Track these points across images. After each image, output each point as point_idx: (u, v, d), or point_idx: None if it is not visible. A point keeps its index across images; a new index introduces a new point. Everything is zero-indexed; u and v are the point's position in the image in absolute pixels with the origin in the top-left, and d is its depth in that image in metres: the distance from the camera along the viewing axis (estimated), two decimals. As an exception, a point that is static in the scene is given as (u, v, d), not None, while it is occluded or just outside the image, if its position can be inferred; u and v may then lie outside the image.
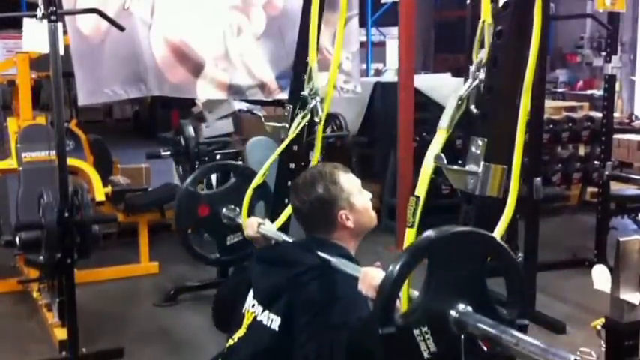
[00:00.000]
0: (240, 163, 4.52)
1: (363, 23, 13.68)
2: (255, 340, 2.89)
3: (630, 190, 7.93)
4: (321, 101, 4.05)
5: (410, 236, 2.48)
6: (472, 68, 2.65)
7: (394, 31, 11.13)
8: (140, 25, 6.82)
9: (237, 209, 4.06)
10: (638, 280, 2.76)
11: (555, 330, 5.87)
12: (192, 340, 5.72)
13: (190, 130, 7.32)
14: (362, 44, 12.11)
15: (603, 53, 7.20)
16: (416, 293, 2.30)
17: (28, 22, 5.03)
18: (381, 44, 19.82)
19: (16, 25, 6.08)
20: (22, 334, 5.99)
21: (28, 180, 6.33)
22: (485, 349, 2.26)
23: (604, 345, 2.79)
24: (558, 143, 9.29)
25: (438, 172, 2.58)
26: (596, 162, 7.58)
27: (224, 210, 4.16)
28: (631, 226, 8.31)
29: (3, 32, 10.12)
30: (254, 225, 3.53)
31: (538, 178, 6.00)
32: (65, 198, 4.97)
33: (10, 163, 6.65)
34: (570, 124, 9.11)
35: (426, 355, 2.21)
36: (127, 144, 13.48)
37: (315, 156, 3.96)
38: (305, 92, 4.04)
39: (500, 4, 2.55)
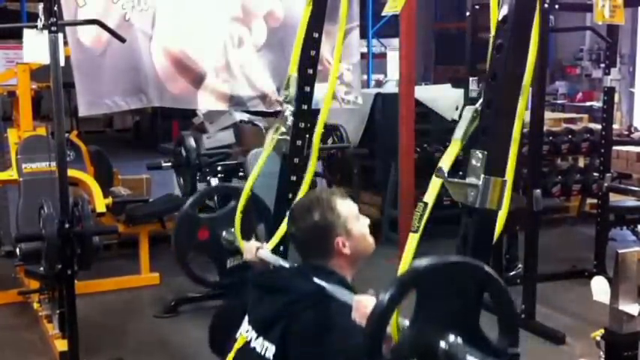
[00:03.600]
0: (240, 186, 4.49)
1: (363, 34, 13.72)
2: None
3: (629, 202, 7.94)
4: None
5: (412, 241, 2.49)
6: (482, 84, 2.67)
7: (395, 42, 11.16)
8: (141, 36, 6.84)
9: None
10: (637, 291, 2.77)
11: (555, 341, 5.88)
12: (193, 351, 5.71)
13: (191, 141, 7.31)
14: (363, 55, 12.14)
15: (602, 65, 7.21)
16: (407, 323, 2.30)
17: (28, 33, 5.04)
18: (382, 55, 19.83)
19: (16, 35, 6.09)
20: (23, 345, 5.99)
21: (28, 191, 6.33)
22: None
23: (603, 356, 2.79)
24: (558, 155, 9.28)
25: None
26: (595, 173, 7.61)
27: (224, 233, 4.15)
28: (630, 237, 8.32)
29: (3, 43, 10.14)
30: (252, 249, 3.55)
31: (538, 190, 6.01)
32: (65, 209, 4.97)
33: (11, 174, 6.65)
34: (570, 136, 9.10)
35: None
36: (127, 155, 13.50)
37: (310, 168, 3.97)
38: (280, 99, 4.07)
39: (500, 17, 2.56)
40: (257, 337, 2.87)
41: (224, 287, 4.60)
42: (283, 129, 4.14)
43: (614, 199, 7.59)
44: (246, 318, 3.00)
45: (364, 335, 2.26)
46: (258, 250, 3.53)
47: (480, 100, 2.63)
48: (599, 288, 3.13)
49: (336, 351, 2.61)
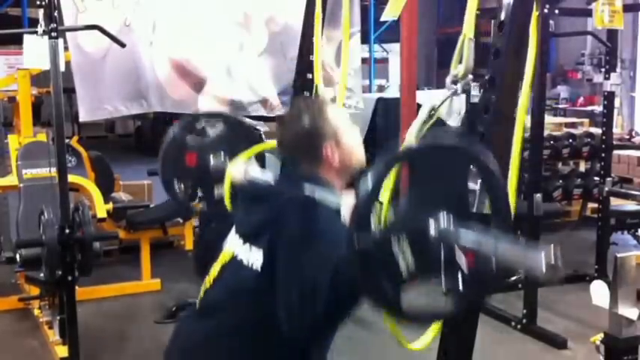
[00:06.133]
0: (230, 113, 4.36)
1: (365, 39, 13.73)
2: (234, 280, 2.78)
3: (630, 206, 7.93)
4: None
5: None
6: (447, 80, 2.67)
7: (397, 47, 11.19)
8: (141, 41, 6.85)
9: (227, 159, 3.93)
10: (636, 295, 2.77)
11: (556, 345, 5.87)
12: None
13: (192, 147, 7.30)
14: (365, 60, 12.16)
15: (603, 70, 7.21)
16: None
17: (28, 39, 5.05)
18: (384, 60, 19.84)
19: (17, 41, 6.10)
20: (23, 352, 5.98)
21: (28, 197, 6.33)
22: (466, 269, 2.15)
23: (603, 360, 2.80)
24: (559, 159, 9.29)
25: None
26: (596, 178, 7.61)
27: (213, 160, 4.03)
28: (631, 242, 8.31)
29: (4, 48, 10.15)
30: (242, 170, 3.44)
31: (538, 194, 6.01)
32: (66, 215, 4.97)
33: (11, 180, 6.65)
34: (571, 141, 9.11)
35: (405, 275, 2.13)
36: (129, 160, 13.48)
37: None
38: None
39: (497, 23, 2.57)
40: (244, 244, 2.79)
41: (212, 216, 4.50)
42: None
43: (615, 203, 7.59)
44: (233, 230, 2.91)
45: (351, 216, 2.19)
46: (247, 170, 3.41)
47: (438, 98, 2.63)
48: (599, 292, 3.13)
49: (323, 259, 2.47)
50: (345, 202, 2.48)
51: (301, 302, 2.48)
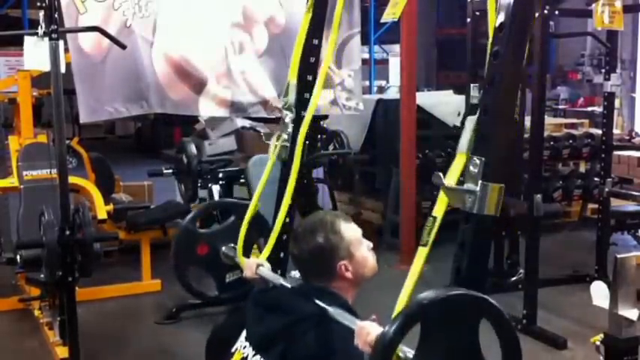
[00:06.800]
0: (240, 202, 4.52)
1: (365, 41, 13.73)
2: None
3: (630, 207, 7.93)
4: (302, 119, 4.10)
5: (421, 254, 2.50)
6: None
7: (397, 48, 11.18)
8: (142, 42, 6.84)
9: (237, 248, 4.05)
10: (636, 296, 2.77)
11: (556, 345, 5.88)
12: (194, 358, 5.69)
13: (192, 148, 7.31)
14: (365, 62, 12.14)
15: (603, 70, 7.22)
16: (409, 354, 2.31)
17: (29, 40, 5.04)
18: (384, 62, 19.84)
19: (17, 42, 6.10)
20: (24, 352, 5.99)
21: (29, 198, 6.33)
22: None
23: (604, 361, 2.80)
24: (559, 160, 9.29)
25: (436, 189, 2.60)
26: (596, 178, 7.62)
27: (223, 248, 4.14)
28: (631, 242, 8.31)
29: (4, 50, 10.15)
30: (253, 266, 3.54)
31: (538, 195, 6.01)
32: (66, 216, 4.97)
33: (11, 182, 6.65)
34: (571, 141, 9.11)
35: None
36: (129, 161, 13.51)
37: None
38: (279, 106, 4.08)
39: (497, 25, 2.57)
40: (254, 355, 2.86)
41: (223, 302, 4.59)
42: (285, 136, 4.14)
43: (615, 203, 7.59)
44: (243, 334, 2.99)
45: None
46: (258, 267, 3.53)
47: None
48: (599, 293, 3.13)
49: None
50: (359, 327, 2.59)
51: None
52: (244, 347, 2.93)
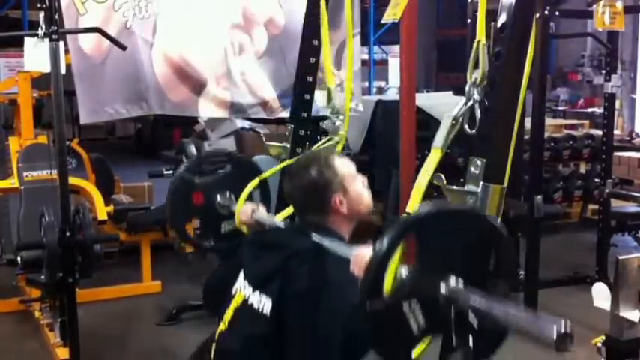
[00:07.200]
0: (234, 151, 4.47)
1: (365, 41, 13.72)
2: (246, 326, 2.84)
3: (631, 208, 7.94)
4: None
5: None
6: (466, 88, 2.67)
7: (396, 49, 11.16)
8: (142, 44, 6.85)
9: (233, 197, 4.01)
10: (638, 297, 2.77)
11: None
12: (194, 359, 5.70)
13: (192, 149, 7.31)
14: (364, 62, 12.14)
15: (603, 71, 7.22)
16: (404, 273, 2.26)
17: (29, 41, 5.04)
18: (384, 62, 19.82)
19: (17, 43, 6.10)
20: (24, 354, 5.99)
21: (29, 199, 6.33)
22: (476, 323, 2.21)
23: (605, 362, 2.80)
24: (559, 161, 9.30)
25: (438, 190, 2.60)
26: (596, 179, 7.62)
27: (219, 197, 4.10)
28: (632, 243, 8.31)
29: (5, 51, 10.15)
30: (248, 211, 3.47)
31: (539, 196, 6.01)
32: (67, 217, 4.97)
33: (12, 183, 6.65)
34: (571, 142, 9.12)
35: (415, 331, 2.18)
36: (129, 162, 13.51)
37: None
38: (327, 113, 4.04)
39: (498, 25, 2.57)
40: (254, 292, 2.84)
41: (218, 252, 4.54)
42: (337, 138, 4.09)
43: (616, 205, 7.59)
44: (241, 274, 2.97)
45: (363, 279, 2.22)
46: (253, 212, 3.48)
47: (458, 106, 2.65)
48: (600, 294, 3.13)
49: (335, 307, 2.56)
50: (355, 255, 2.52)
51: (314, 355, 2.60)
52: (244, 287, 2.91)
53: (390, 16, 4.14)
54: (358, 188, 3.02)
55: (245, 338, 2.82)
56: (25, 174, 6.44)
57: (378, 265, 2.16)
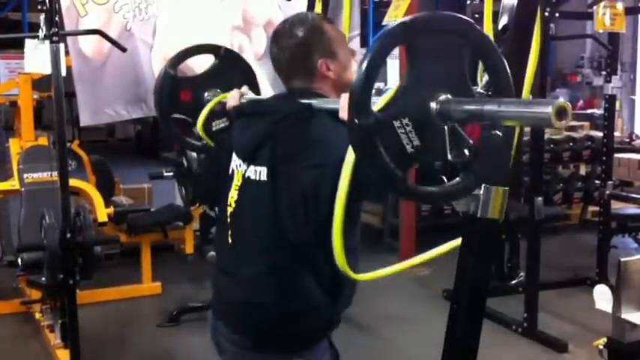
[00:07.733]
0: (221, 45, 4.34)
1: (364, 43, 13.73)
2: (252, 200, 2.77)
3: (631, 209, 7.95)
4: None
5: None
6: (479, 89, 2.67)
7: (396, 50, 11.18)
8: (142, 45, 6.85)
9: (221, 92, 3.91)
10: (640, 299, 2.77)
11: (558, 349, 5.87)
12: (195, 360, 5.71)
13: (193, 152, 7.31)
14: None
15: (603, 73, 7.22)
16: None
17: (29, 43, 5.05)
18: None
19: (18, 45, 6.10)
20: (25, 355, 5.98)
21: (30, 201, 6.34)
22: (471, 141, 2.15)
23: (606, 365, 2.79)
24: (559, 162, 9.31)
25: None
26: (597, 181, 7.62)
27: (207, 94, 4.01)
28: (632, 245, 8.32)
29: (5, 53, 10.16)
30: (236, 96, 3.27)
31: (539, 198, 6.00)
32: (67, 219, 4.97)
33: (12, 184, 6.65)
34: (571, 144, 9.13)
35: (409, 149, 2.09)
36: (129, 164, 13.50)
37: None
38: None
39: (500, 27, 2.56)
40: (249, 167, 2.77)
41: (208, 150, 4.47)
42: None
43: (616, 206, 7.59)
44: (234, 155, 2.89)
45: (350, 96, 2.07)
46: (242, 95, 3.37)
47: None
48: (602, 297, 3.13)
49: (324, 161, 2.48)
50: (343, 98, 2.42)
51: (305, 206, 2.51)
52: (240, 166, 2.83)
53: (392, 18, 4.15)
54: (347, 55, 2.90)
55: (255, 215, 2.75)
56: (25, 175, 6.44)
57: (366, 79, 2.06)
